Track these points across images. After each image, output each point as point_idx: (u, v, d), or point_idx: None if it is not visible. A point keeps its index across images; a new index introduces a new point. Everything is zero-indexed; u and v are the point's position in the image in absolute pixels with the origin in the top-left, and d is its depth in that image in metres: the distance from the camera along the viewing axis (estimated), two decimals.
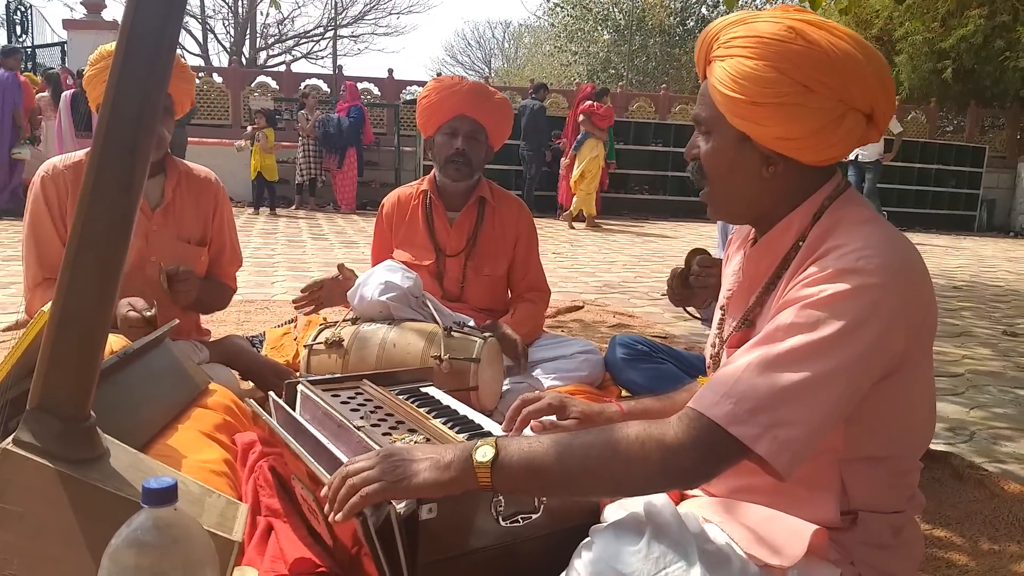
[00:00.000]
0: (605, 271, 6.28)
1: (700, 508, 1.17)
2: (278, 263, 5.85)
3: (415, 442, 1.40)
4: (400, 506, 1.15)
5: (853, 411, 1.05)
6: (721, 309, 1.30)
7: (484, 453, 1.06)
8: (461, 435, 1.43)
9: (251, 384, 2.45)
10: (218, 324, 3.43)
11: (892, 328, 0.99)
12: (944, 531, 1.80)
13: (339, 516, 1.07)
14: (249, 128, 10.37)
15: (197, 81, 12.96)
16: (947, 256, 9.30)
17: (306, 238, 7.67)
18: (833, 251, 1.03)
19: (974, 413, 2.81)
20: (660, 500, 1.08)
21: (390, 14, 32.74)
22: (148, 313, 1.96)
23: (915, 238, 11.74)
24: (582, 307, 4.25)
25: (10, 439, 0.98)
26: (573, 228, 10.08)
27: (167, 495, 0.85)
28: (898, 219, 13.75)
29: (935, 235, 12.70)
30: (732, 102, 1.07)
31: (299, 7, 48.30)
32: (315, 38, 28.76)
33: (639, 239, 9.24)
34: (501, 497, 1.21)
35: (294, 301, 2.56)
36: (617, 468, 1.02)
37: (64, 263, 1.00)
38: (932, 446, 2.36)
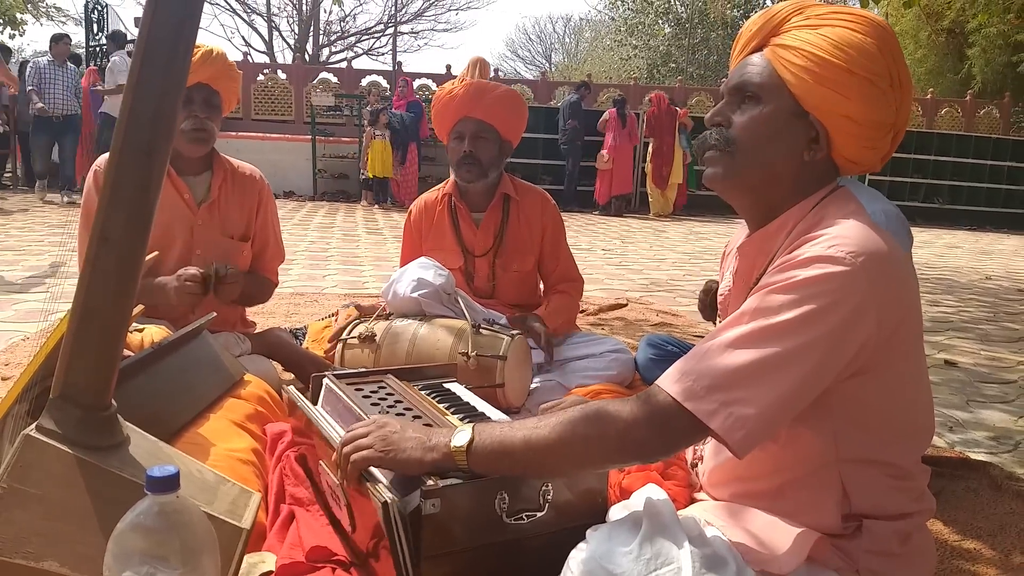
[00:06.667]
0: (654, 268, 6.24)
1: (704, 511, 1.18)
2: (332, 256, 5.97)
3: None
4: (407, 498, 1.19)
5: (839, 410, 1.05)
6: (720, 308, 1.31)
7: (461, 438, 1.14)
8: None
9: (292, 376, 2.52)
10: (267, 316, 3.53)
11: (860, 315, 0.99)
12: (975, 543, 1.75)
13: (345, 483, 1.21)
14: (369, 128, 10.70)
15: (261, 77, 13.50)
16: (1016, 258, 8.94)
17: (361, 232, 7.80)
18: (809, 240, 1.04)
19: (1023, 422, 2.71)
20: (660, 501, 1.09)
21: (449, 10, 33.02)
22: (201, 270, 2.06)
23: (985, 238, 11.42)
24: (625, 305, 4.23)
25: (33, 426, 1.03)
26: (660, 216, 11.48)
27: (169, 483, 0.89)
28: (968, 218, 13.30)
29: (1006, 235, 12.21)
30: (824, 65, 1.07)
31: (361, 4, 49.30)
32: (376, 35, 29.20)
33: (692, 236, 9.14)
34: (506, 494, 1.24)
35: (327, 353, 2.52)
36: (577, 446, 1.06)
37: (85, 260, 1.05)
38: (971, 455, 2.30)
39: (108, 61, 9.07)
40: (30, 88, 8.65)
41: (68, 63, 9.08)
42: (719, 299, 1.34)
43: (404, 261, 2.68)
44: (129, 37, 14.02)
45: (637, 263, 6.50)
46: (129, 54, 9.92)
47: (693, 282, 5.59)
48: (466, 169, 2.48)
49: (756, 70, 1.14)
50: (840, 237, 1.02)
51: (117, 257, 1.05)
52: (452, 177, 2.60)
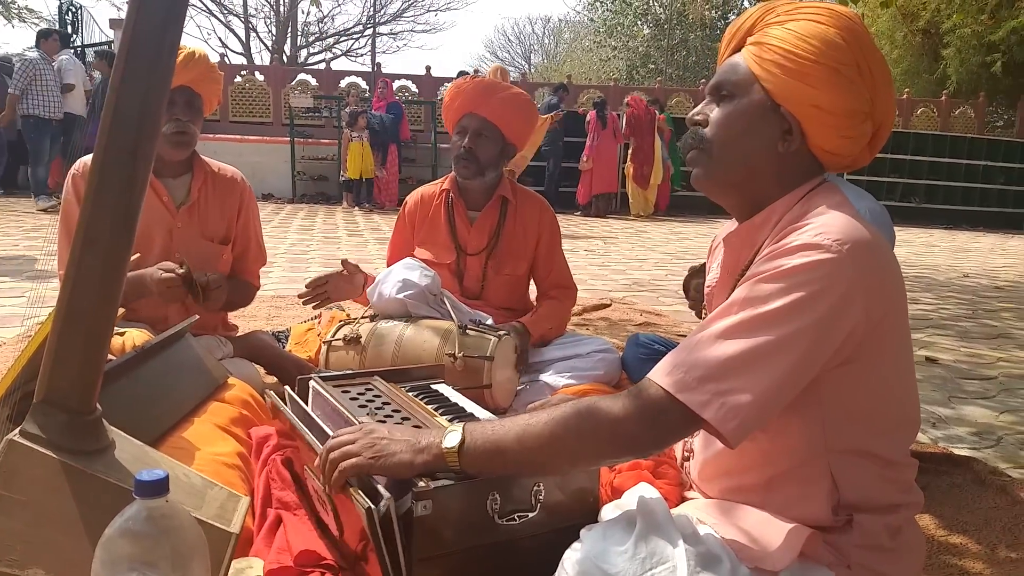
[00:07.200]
0: (636, 268, 6.26)
1: (696, 510, 1.18)
2: (312, 259, 5.93)
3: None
4: (398, 501, 1.18)
5: (828, 399, 1.06)
6: (707, 300, 1.31)
7: (452, 439, 1.13)
8: None
9: (275, 379, 2.50)
10: (248, 319, 3.49)
11: (847, 302, 1.00)
12: (961, 537, 1.77)
13: (329, 489, 1.17)
14: (347, 130, 10.69)
15: (239, 79, 13.40)
16: (992, 255, 9.07)
17: (341, 235, 7.76)
18: (795, 229, 1.06)
19: (1004, 418, 2.75)
20: (653, 499, 1.09)
21: (428, 11, 32.96)
22: (181, 269, 2.02)
23: (961, 236, 11.57)
24: (609, 305, 4.24)
25: (16, 431, 1.02)
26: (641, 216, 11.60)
27: (158, 487, 0.88)
28: (944, 216, 13.47)
29: (981, 233, 12.39)
30: (790, 58, 1.10)
31: (339, 5, 49.08)
32: (355, 36, 29.10)
33: (673, 236, 9.18)
34: (498, 495, 1.23)
35: (299, 296, 2.59)
36: (570, 442, 1.06)
37: (69, 262, 1.03)
38: (955, 450, 2.32)
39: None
40: (11, 91, 8.28)
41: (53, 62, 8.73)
42: (706, 291, 1.34)
43: (391, 251, 2.67)
44: (104, 39, 13.94)
45: (619, 263, 6.52)
46: (103, 53, 9.77)
47: (675, 282, 5.60)
48: (463, 165, 2.46)
49: (732, 69, 1.17)
50: (826, 226, 1.03)
51: (102, 260, 1.04)
52: (452, 173, 2.60)
